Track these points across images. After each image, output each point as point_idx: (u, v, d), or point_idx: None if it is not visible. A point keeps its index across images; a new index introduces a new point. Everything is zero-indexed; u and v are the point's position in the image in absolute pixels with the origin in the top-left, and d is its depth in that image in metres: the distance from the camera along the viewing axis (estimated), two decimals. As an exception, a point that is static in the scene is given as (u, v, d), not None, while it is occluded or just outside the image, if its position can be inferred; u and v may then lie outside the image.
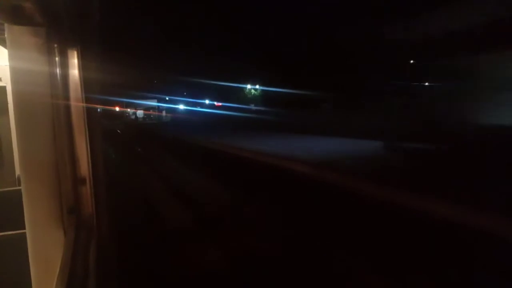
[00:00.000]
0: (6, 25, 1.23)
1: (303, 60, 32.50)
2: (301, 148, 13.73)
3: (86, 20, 1.51)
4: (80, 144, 1.47)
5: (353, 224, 5.13)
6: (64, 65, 1.44)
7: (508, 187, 6.59)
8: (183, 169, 10.69)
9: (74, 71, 1.48)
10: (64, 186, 1.34)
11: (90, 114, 1.51)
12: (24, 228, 1.30)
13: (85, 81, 1.50)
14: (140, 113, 55.18)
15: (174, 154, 14.27)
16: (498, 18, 15.08)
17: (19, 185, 1.54)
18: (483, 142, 10.53)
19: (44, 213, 1.30)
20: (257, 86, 42.44)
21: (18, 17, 1.18)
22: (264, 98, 40.99)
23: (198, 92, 49.00)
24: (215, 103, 48.26)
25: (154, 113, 56.00)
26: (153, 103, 59.03)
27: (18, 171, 2.83)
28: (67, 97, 1.44)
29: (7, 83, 3.45)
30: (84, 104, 1.49)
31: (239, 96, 43.20)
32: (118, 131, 28.65)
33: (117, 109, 50.58)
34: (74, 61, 1.48)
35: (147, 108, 56.91)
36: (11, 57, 1.25)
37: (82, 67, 1.48)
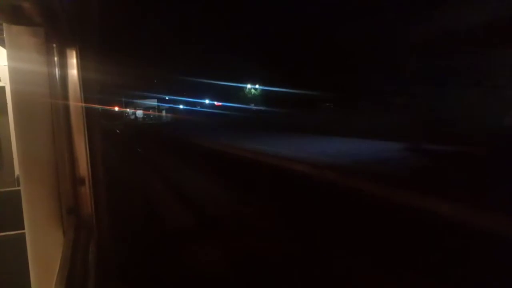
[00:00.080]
0: (4, 25, 1.23)
1: (303, 59, 32.42)
2: (318, 151, 11.91)
3: (84, 20, 1.52)
4: (79, 144, 1.47)
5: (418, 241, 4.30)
6: (63, 65, 1.44)
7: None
8: (183, 169, 10.69)
9: (73, 71, 1.48)
10: (63, 186, 1.34)
11: (89, 114, 1.52)
12: (24, 229, 1.30)
13: (84, 81, 1.50)
14: (139, 113, 55.21)
15: (174, 154, 14.26)
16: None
17: (19, 185, 1.54)
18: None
19: (43, 213, 1.30)
20: (257, 86, 42.43)
21: (16, 17, 1.18)
22: (264, 97, 41.00)
23: (198, 91, 48.99)
24: (215, 103, 48.28)
25: (154, 113, 56.04)
26: (153, 103, 59.06)
27: (17, 172, 2.83)
28: (66, 97, 1.45)
29: (6, 83, 3.45)
30: (83, 104, 1.49)
31: (239, 95, 43.19)
32: (118, 131, 28.66)
33: (117, 109, 50.54)
34: (73, 61, 1.49)
35: (146, 108, 56.94)
36: (10, 57, 1.25)
37: (81, 67, 1.49)
